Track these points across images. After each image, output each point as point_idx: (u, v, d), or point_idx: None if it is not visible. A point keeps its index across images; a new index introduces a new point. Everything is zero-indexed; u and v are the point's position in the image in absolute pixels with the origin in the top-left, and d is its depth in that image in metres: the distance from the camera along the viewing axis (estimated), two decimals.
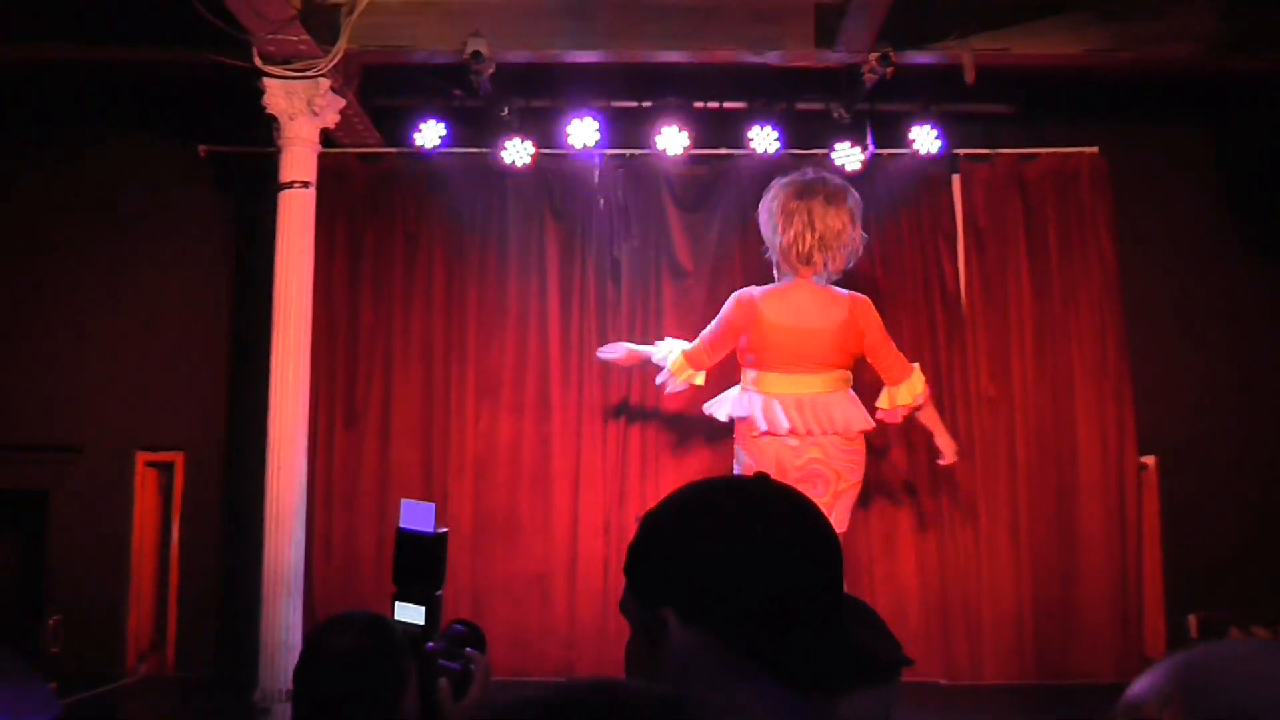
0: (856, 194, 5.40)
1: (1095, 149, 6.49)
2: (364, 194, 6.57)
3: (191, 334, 6.64)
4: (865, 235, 5.44)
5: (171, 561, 6.52)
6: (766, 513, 1.24)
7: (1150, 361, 6.46)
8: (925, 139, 6.29)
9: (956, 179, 6.51)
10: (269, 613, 5.54)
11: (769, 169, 6.34)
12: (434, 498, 6.15)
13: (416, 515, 2.08)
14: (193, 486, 6.55)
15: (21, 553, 6.51)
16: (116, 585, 6.40)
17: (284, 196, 5.82)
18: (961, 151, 6.48)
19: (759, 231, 6.29)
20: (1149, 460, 6.44)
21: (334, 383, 6.44)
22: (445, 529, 2.10)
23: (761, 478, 1.29)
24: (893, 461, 6.29)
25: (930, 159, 6.38)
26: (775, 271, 5.36)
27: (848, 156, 6.24)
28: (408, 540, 2.05)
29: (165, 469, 6.63)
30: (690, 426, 6.16)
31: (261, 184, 6.17)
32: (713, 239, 6.48)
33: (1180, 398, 6.49)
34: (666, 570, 1.24)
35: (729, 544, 1.22)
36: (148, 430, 6.56)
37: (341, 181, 6.49)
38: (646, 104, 6.40)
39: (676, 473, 6.05)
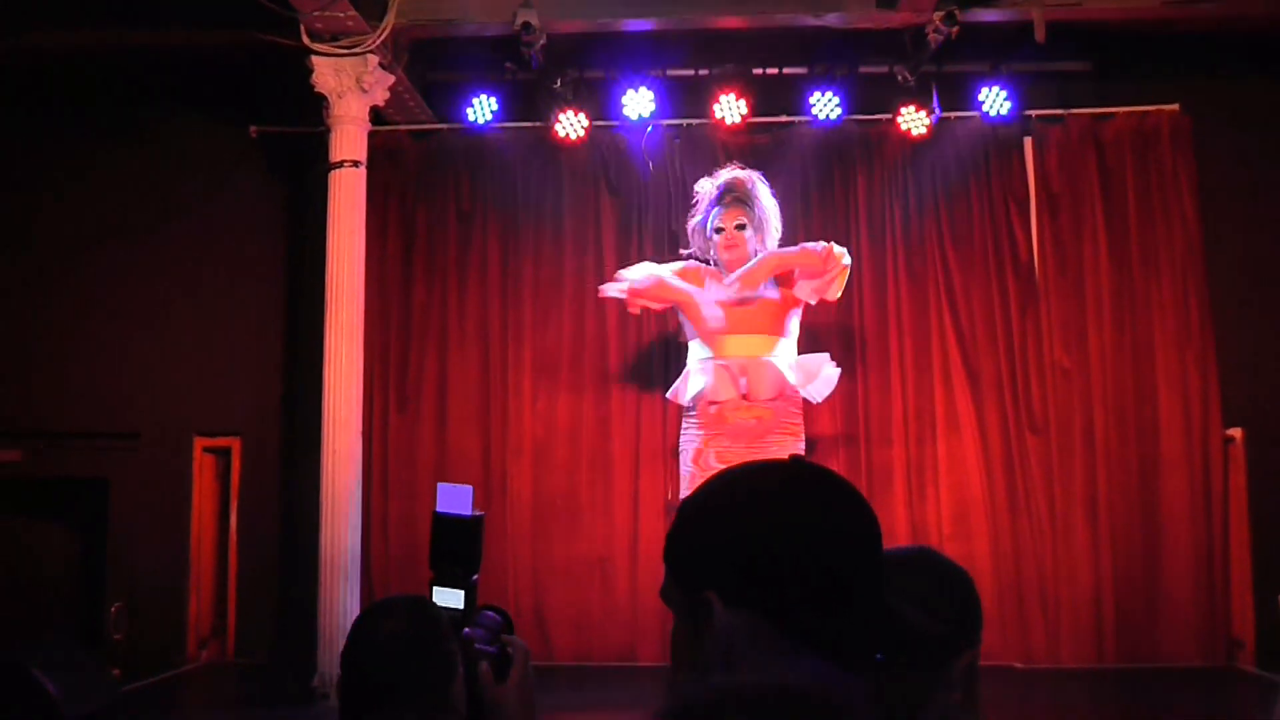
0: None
1: (1176, 106, 6.34)
2: (416, 172, 6.58)
3: (246, 318, 6.66)
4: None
5: (230, 547, 6.57)
6: (804, 493, 1.26)
7: (1236, 329, 6.30)
8: (994, 101, 6.19)
9: (1028, 142, 6.39)
10: (327, 598, 5.57)
11: (831, 136, 6.33)
12: (492, 481, 6.25)
13: (453, 498, 2.08)
14: (250, 472, 6.58)
15: (83, 540, 6.60)
16: (176, 572, 6.46)
17: (335, 176, 5.84)
18: (1033, 113, 6.36)
19: (820, 200, 6.33)
20: (1235, 433, 6.28)
21: (387, 365, 6.45)
22: (482, 512, 2.10)
23: (796, 460, 1.32)
24: (963, 439, 6.17)
25: (1000, 122, 6.28)
26: (767, 246, 5.31)
27: (913, 121, 6.17)
28: (444, 524, 2.03)
29: (223, 454, 6.67)
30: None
31: (313, 164, 6.21)
32: (748, 212, 6.15)
33: (1268, 367, 6.31)
34: (708, 554, 1.26)
35: (769, 524, 1.24)
36: (205, 416, 6.60)
37: (393, 160, 6.51)
38: (703, 72, 6.34)
39: None
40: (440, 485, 2.03)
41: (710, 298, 5.23)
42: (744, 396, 5.05)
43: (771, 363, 5.11)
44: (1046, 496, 6.13)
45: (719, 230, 5.24)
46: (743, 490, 1.27)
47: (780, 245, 5.35)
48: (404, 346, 6.46)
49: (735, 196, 5.25)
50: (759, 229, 5.27)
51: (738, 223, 5.26)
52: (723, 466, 4.41)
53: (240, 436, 6.61)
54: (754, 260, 5.17)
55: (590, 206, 6.49)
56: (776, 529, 1.22)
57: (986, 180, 6.36)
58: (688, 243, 5.77)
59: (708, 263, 5.38)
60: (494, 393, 6.39)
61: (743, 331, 5.13)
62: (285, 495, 6.52)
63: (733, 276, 5.18)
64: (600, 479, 6.30)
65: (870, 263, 6.34)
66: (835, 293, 5.17)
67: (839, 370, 5.32)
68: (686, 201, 6.22)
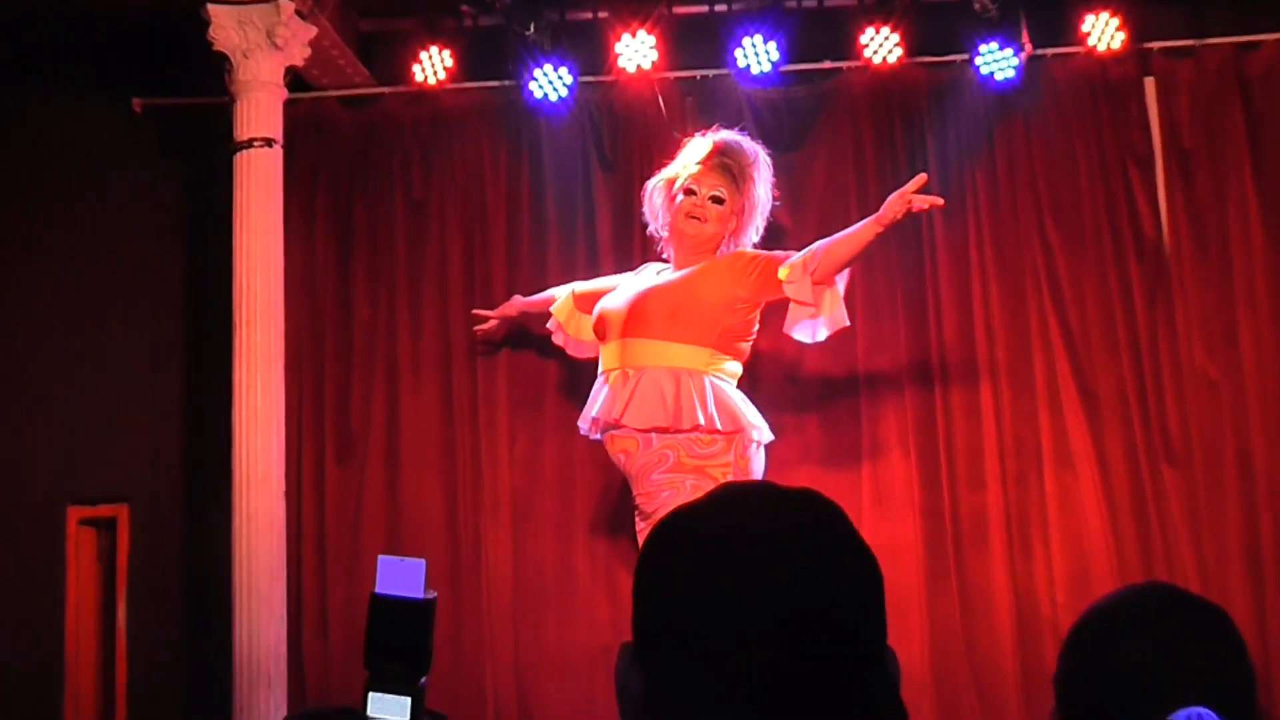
0: None
1: None
2: (351, 150, 6.47)
3: (134, 347, 6.46)
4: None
5: (118, 647, 6.33)
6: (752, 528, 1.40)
7: None
8: (1103, 31, 6.04)
9: (1150, 84, 6.23)
10: (244, 709, 5.44)
11: (889, 85, 6.22)
12: (461, 548, 6.12)
13: (398, 576, 2.17)
14: (142, 549, 6.34)
15: None
16: (47, 682, 6.18)
17: (242, 159, 5.79)
18: (1154, 45, 6.20)
19: (877, 168, 6.22)
20: None
21: (321, 402, 6.31)
22: (434, 594, 2.18)
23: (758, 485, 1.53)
24: (1078, 475, 5.98)
25: (1111, 58, 6.14)
26: (734, 244, 5.31)
27: (996, 62, 6.01)
28: (385, 609, 2.13)
29: (106, 527, 6.46)
30: (794, 450, 5.95)
31: (214, 145, 6.12)
32: (818, 184, 6.24)
33: None
34: (656, 616, 1.39)
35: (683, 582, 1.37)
36: (81, 477, 6.38)
37: (320, 135, 6.42)
38: (720, 8, 6.24)
39: None
40: (381, 559, 2.14)
41: (628, 287, 5.19)
42: (615, 421, 4.96)
43: (652, 373, 4.94)
44: (1193, 547, 5.92)
45: (689, 192, 5.13)
46: (678, 537, 1.40)
47: (761, 246, 5.30)
48: (343, 377, 6.33)
49: (725, 162, 5.12)
50: (738, 216, 5.16)
51: (715, 193, 5.12)
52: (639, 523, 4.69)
53: (128, 502, 6.36)
54: (822, 245, 4.98)
55: (579, 187, 6.36)
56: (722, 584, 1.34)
57: (1097, 136, 6.20)
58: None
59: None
60: (461, 433, 6.25)
61: (635, 334, 5.03)
62: (189, 577, 6.35)
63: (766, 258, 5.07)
64: (601, 542, 6.12)
65: (947, 249, 6.16)
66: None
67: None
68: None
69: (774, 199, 5.29)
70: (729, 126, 5.47)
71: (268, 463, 5.63)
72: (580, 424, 5.25)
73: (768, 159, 5.26)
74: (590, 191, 6.36)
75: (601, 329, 5.20)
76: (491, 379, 6.29)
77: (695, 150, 5.22)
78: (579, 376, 6.09)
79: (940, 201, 4.88)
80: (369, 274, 6.39)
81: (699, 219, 5.12)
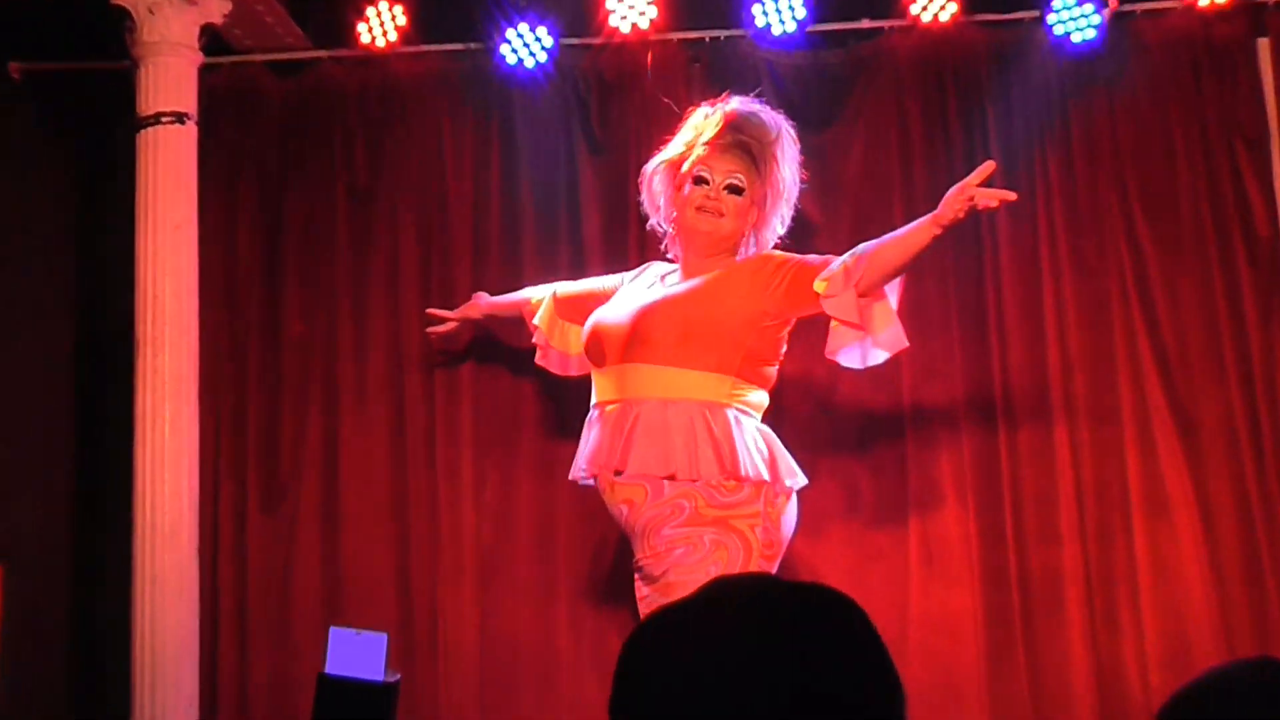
0: None
1: None
2: (282, 128, 6.33)
3: (12, 368, 6.22)
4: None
5: None
6: (770, 634, 1.49)
7: None
8: None
9: (1263, 45, 6.02)
10: None
11: (941, 49, 6.17)
12: (415, 619, 6.07)
13: (354, 653, 2.31)
14: (18, 619, 6.06)
15: None
16: None
17: (146, 138, 5.72)
18: None
19: (925, 148, 6.17)
20: None
21: (243, 438, 6.15)
22: (397, 675, 2.37)
23: (760, 580, 1.68)
24: (1175, 528, 5.78)
25: (1215, 14, 5.95)
26: (755, 242, 5.13)
27: (1073, 20, 5.90)
28: (338, 693, 2.16)
29: None
30: (827, 499, 5.82)
31: (114, 120, 6.05)
32: (853, 170, 6.04)
33: None
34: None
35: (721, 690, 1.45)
36: None
37: (245, 110, 6.32)
38: None
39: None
40: (333, 631, 2.29)
41: (628, 298, 4.96)
42: (617, 469, 4.71)
43: (660, 408, 4.66)
44: None
45: (699, 180, 4.85)
46: (684, 641, 1.51)
47: (787, 243, 5.06)
48: (271, 408, 6.18)
49: (741, 140, 4.82)
50: (759, 207, 4.89)
51: (731, 180, 4.81)
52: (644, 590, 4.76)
53: (4, 561, 6.08)
54: (869, 249, 4.70)
55: (560, 173, 6.20)
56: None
57: (1196, 109, 6.02)
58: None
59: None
60: (415, 477, 6.09)
61: (639, 359, 4.76)
62: (79, 654, 6.19)
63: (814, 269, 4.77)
64: (589, 613, 5.95)
65: (1012, 251, 5.94)
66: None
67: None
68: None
69: (801, 180, 5.08)
70: (743, 94, 5.29)
71: (177, 512, 5.52)
72: (573, 471, 5.06)
73: (792, 132, 5.03)
74: (575, 178, 6.22)
75: (596, 350, 4.94)
76: (454, 409, 6.13)
77: (703, 126, 5.00)
78: (564, 402, 5.99)
79: (1012, 196, 4.60)
80: (303, 280, 6.25)
81: (714, 213, 4.87)
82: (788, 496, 4.78)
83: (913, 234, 4.59)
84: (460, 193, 6.21)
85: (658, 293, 4.91)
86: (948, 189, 5.60)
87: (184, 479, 5.53)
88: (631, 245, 5.96)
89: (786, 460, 4.79)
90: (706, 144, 4.86)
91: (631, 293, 5.03)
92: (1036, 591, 5.76)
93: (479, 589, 5.98)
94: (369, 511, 6.07)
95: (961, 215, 4.48)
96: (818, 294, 4.64)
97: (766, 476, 4.66)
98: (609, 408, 4.81)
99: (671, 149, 5.04)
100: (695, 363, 4.70)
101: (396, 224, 6.22)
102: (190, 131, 5.68)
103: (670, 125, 5.39)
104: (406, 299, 6.16)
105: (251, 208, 6.25)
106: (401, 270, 6.19)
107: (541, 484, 6.00)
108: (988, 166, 4.53)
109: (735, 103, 5.02)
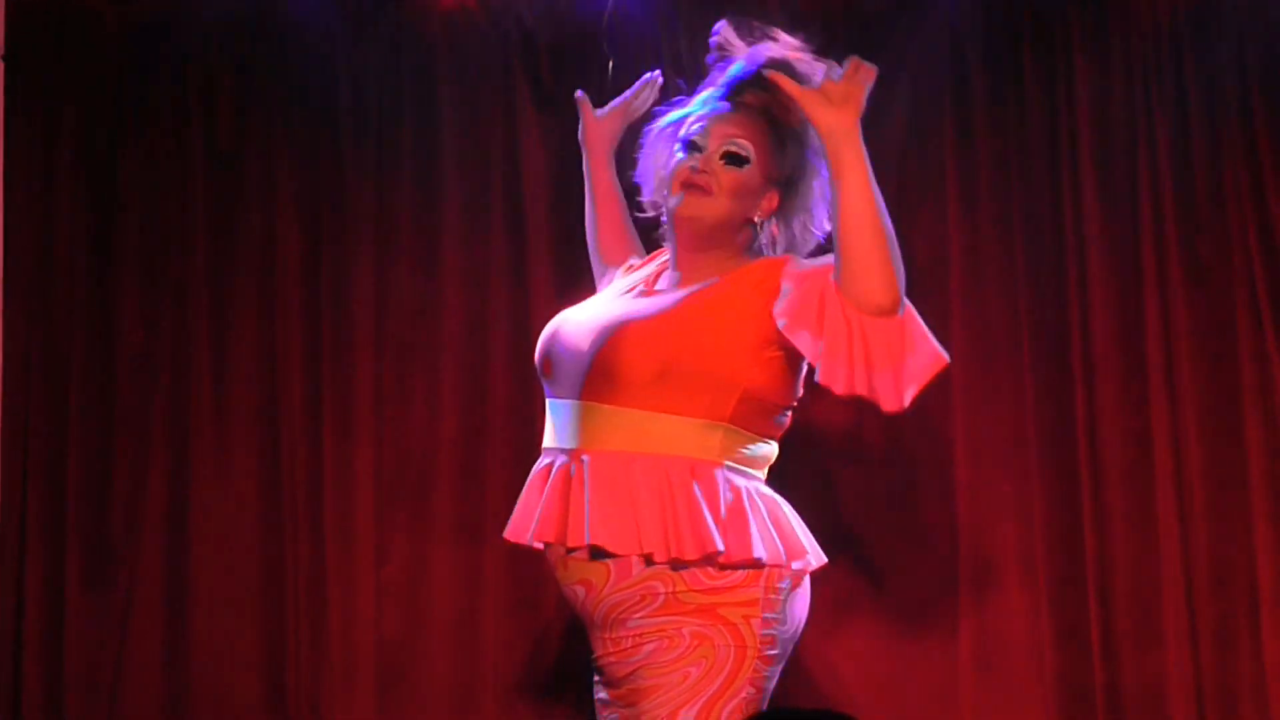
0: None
1: None
2: (119, 71, 6.10)
3: None
4: None
5: None
6: None
7: None
8: None
9: None
10: None
11: None
12: None
13: None
14: None
15: None
16: None
17: None
18: None
19: (988, 119, 5.95)
20: None
21: (59, 487, 5.90)
22: None
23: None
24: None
25: None
26: (783, 238, 4.64)
27: None
28: None
29: None
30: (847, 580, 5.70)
31: None
32: (896, 135, 5.83)
33: None
34: None
35: None
36: None
37: (66, 46, 6.08)
38: None
39: None
40: None
41: (600, 304, 4.69)
42: (562, 539, 4.39)
43: (624, 464, 4.34)
44: None
45: (692, 146, 4.51)
46: None
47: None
48: (98, 446, 5.94)
49: (763, 97, 4.46)
50: (777, 189, 4.49)
51: (730, 146, 4.44)
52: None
53: None
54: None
55: (498, 136, 6.04)
56: None
57: None
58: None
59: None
60: (292, 543, 5.91)
61: (600, 398, 4.40)
62: None
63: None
64: None
65: (1102, 245, 5.72)
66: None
67: None
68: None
69: None
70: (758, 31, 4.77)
71: None
72: (510, 530, 4.67)
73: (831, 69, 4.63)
74: (516, 142, 6.03)
75: (547, 371, 4.62)
76: (346, 450, 5.92)
77: (714, 74, 4.70)
78: (497, 444, 5.95)
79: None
80: (145, 273, 6.02)
81: (701, 189, 4.41)
82: (798, 581, 4.43)
83: (850, 179, 4.18)
84: (360, 159, 6.00)
85: (632, 308, 4.57)
86: (1018, 159, 5.46)
87: None
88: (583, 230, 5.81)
89: (797, 534, 4.45)
90: (706, 108, 4.58)
91: (608, 296, 4.76)
92: (1130, 708, 5.60)
93: (378, 695, 5.80)
94: (230, 588, 5.85)
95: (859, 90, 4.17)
96: (772, 314, 4.35)
97: (766, 557, 4.31)
98: (557, 461, 4.47)
99: (686, 106, 4.79)
100: (675, 407, 4.32)
101: (273, 199, 5.98)
102: None
103: (642, 73, 5.15)
104: (284, 300, 5.95)
105: (75, 175, 5.96)
106: (279, 261, 5.95)
107: (463, 554, 5.84)
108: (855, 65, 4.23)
109: (766, 44, 4.61)
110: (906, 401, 4.17)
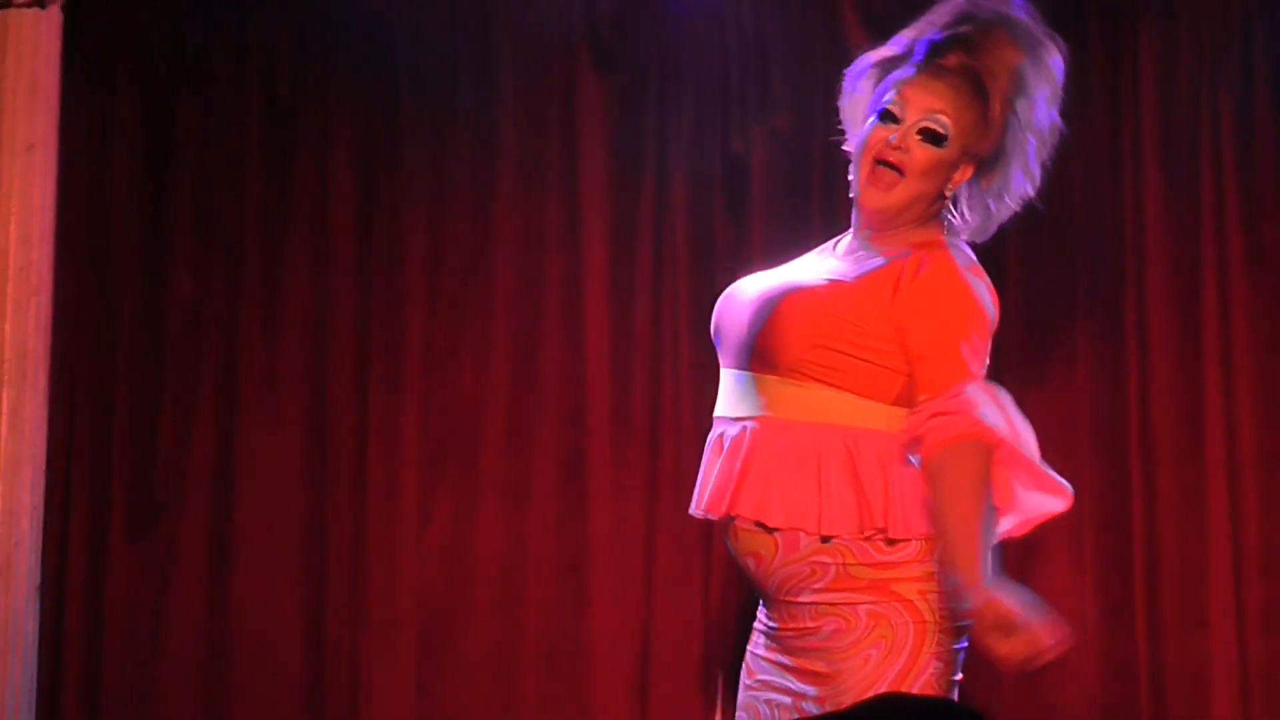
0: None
1: None
2: (175, 16, 6.23)
3: None
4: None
5: None
6: None
7: None
8: None
9: None
10: None
11: None
12: (327, 694, 6.03)
13: None
14: None
15: None
16: None
17: None
18: None
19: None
20: None
21: (105, 435, 6.08)
22: None
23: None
24: None
25: None
26: (961, 216, 4.62)
27: None
28: None
29: None
30: None
31: None
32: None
33: None
34: None
35: None
36: None
37: None
38: None
39: None
40: None
41: (782, 272, 4.61)
42: (726, 510, 4.43)
43: (783, 433, 4.37)
44: None
45: (887, 116, 4.40)
46: None
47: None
48: (145, 396, 6.12)
49: (968, 62, 4.35)
50: (977, 163, 4.43)
51: (927, 123, 4.32)
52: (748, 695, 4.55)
53: None
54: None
55: (556, 95, 6.16)
56: None
57: None
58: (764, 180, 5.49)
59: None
60: (336, 499, 6.07)
61: (761, 368, 4.45)
62: None
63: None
64: (562, 692, 5.98)
65: (1161, 227, 5.82)
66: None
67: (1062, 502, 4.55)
68: (766, 91, 6.12)
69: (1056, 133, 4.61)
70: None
71: (11, 538, 5.62)
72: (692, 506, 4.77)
73: (1053, 51, 4.57)
74: (573, 106, 6.16)
75: (718, 339, 4.69)
76: (394, 407, 6.08)
77: (923, 28, 4.54)
78: (543, 404, 6.10)
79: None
80: (198, 223, 6.17)
81: (885, 183, 4.38)
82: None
83: (964, 558, 4.21)
84: (413, 113, 6.14)
85: (799, 276, 4.55)
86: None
87: (24, 492, 5.59)
88: (645, 194, 5.92)
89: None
90: (911, 69, 4.44)
91: (796, 262, 4.68)
92: (1173, 690, 5.74)
93: (418, 657, 5.95)
94: (273, 543, 6.02)
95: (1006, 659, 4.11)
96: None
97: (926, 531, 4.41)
98: (729, 429, 4.56)
99: (892, 44, 4.59)
100: (838, 381, 4.39)
101: (328, 151, 6.14)
102: (52, 18, 5.68)
103: (709, 45, 5.41)
104: (339, 255, 6.12)
105: (131, 124, 6.12)
106: (333, 216, 6.11)
107: (508, 515, 5.98)
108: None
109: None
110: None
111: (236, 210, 6.15)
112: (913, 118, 4.29)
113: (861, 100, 4.48)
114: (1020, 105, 4.38)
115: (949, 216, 4.41)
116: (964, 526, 4.10)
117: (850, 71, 4.53)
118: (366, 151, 6.17)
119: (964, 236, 4.36)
